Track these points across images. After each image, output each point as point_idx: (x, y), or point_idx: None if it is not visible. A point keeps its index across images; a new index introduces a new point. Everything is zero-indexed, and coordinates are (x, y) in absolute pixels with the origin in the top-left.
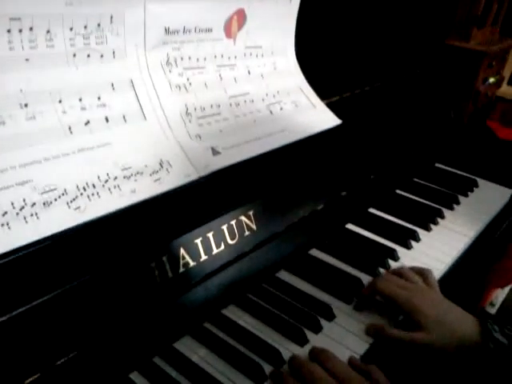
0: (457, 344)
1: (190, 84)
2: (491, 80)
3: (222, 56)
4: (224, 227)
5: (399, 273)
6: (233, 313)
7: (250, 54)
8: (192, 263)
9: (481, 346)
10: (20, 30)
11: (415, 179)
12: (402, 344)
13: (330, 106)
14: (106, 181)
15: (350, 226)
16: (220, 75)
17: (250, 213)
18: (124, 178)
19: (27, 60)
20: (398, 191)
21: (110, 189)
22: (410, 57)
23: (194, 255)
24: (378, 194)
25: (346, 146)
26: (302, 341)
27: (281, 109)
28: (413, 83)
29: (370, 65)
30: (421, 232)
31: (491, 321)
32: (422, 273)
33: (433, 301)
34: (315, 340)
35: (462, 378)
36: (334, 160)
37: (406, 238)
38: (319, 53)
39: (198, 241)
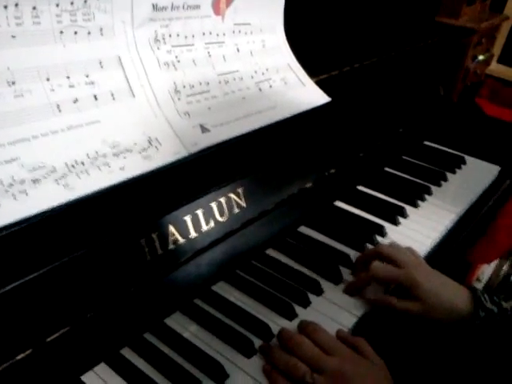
0: (450, 313)
1: (179, 61)
2: (480, 57)
3: (211, 33)
4: (213, 204)
5: (387, 252)
6: (223, 289)
7: (239, 32)
8: (181, 240)
9: (472, 315)
10: (5, 7)
11: (404, 157)
12: (397, 313)
13: (319, 83)
14: (95, 158)
15: (338, 203)
16: (209, 52)
17: (240, 190)
18: (113, 155)
19: (14, 37)
20: (387, 169)
21: (98, 166)
22: (400, 34)
23: (184, 232)
24: (367, 172)
25: (335, 123)
26: (290, 315)
27: (270, 86)
28: (402, 61)
29: (358, 42)
30: (408, 208)
31: (482, 291)
32: (408, 250)
33: (428, 274)
34: (304, 314)
35: (453, 346)
36: (323, 138)
37: (394, 215)
38: (308, 30)
39: (188, 218)
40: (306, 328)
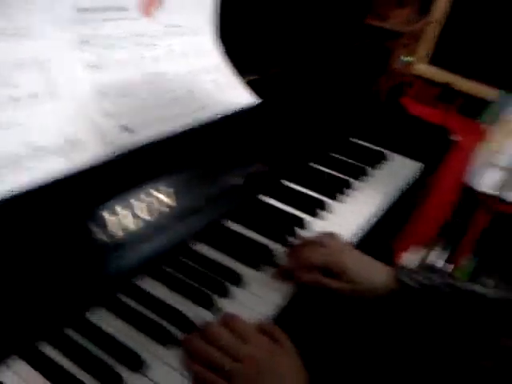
0: (375, 290)
1: (105, 63)
2: (407, 59)
3: (140, 35)
4: (139, 201)
5: (313, 240)
6: (146, 283)
7: (169, 33)
8: (105, 237)
9: (395, 292)
10: None
11: (330, 153)
12: (328, 293)
13: (250, 84)
14: (15, 161)
15: (262, 197)
16: (138, 54)
17: (166, 187)
18: (34, 157)
19: None
20: (312, 164)
21: (19, 168)
22: (331, 36)
23: (109, 228)
24: (292, 167)
25: (264, 123)
26: (210, 306)
27: (201, 87)
28: (332, 61)
29: (290, 43)
30: (329, 202)
31: (402, 268)
32: (332, 236)
33: (355, 257)
34: (224, 305)
35: (376, 322)
36: (252, 136)
37: (315, 208)
38: (240, 32)
39: (113, 214)
40: (223, 318)
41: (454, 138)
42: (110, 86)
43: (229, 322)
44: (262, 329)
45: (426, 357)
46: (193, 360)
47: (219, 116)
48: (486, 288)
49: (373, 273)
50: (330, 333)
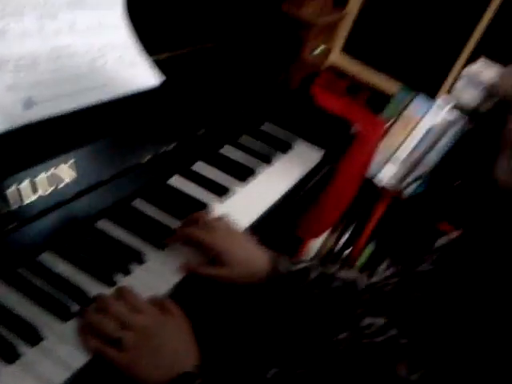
0: (252, 276)
1: (6, 32)
2: (319, 49)
3: (43, 6)
4: (42, 175)
5: (203, 220)
6: (48, 259)
7: (74, 6)
8: (6, 210)
9: (269, 277)
10: None
11: (243, 136)
12: (209, 278)
13: (159, 62)
14: None
15: (173, 178)
16: (40, 26)
17: (70, 162)
18: None
19: None
20: (226, 146)
21: None
22: (245, 20)
23: (10, 204)
24: (206, 149)
25: (175, 101)
26: (110, 282)
27: (105, 63)
28: (245, 46)
29: (202, 24)
30: (238, 185)
31: (280, 255)
32: (220, 219)
33: (236, 242)
34: (125, 282)
35: (254, 305)
36: (161, 115)
37: (223, 191)
38: (150, 9)
39: (15, 188)
40: (116, 291)
41: (355, 129)
42: (10, 58)
43: (122, 294)
44: (154, 301)
45: (294, 334)
46: (86, 331)
47: (123, 93)
48: (351, 273)
49: (252, 258)
50: (217, 310)
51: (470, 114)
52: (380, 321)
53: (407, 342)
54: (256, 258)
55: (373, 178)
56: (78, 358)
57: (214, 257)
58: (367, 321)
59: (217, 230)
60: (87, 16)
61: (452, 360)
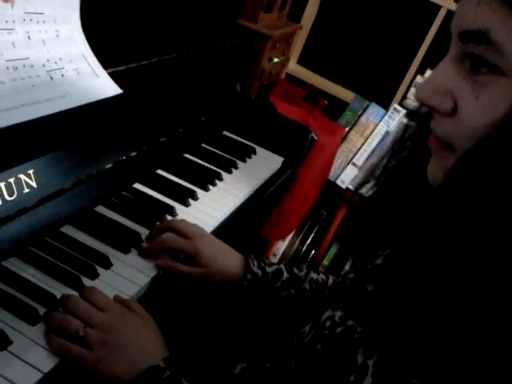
0: (225, 276)
1: None
2: (276, 60)
3: None
4: (1, 184)
5: (177, 226)
6: (14, 265)
7: (30, 20)
8: None
9: (242, 277)
10: None
11: (203, 145)
12: (181, 277)
13: (115, 74)
14: None
15: (137, 186)
16: None
17: (30, 171)
18: None
19: None
20: (186, 155)
21: None
22: (202, 32)
23: None
24: (167, 157)
25: (134, 112)
26: (78, 286)
27: (62, 75)
28: (204, 58)
29: (159, 37)
30: (200, 192)
31: (253, 257)
32: (189, 222)
33: (209, 244)
34: (92, 285)
35: (225, 306)
36: (120, 125)
37: (186, 197)
38: (107, 22)
39: None
40: (82, 291)
41: (313, 136)
42: None
43: (87, 293)
44: (119, 300)
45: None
46: (52, 332)
47: (81, 105)
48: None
49: (225, 259)
50: (184, 309)
51: (411, 116)
52: (339, 313)
53: (361, 330)
54: (230, 258)
55: (335, 180)
56: (47, 362)
57: (184, 258)
58: (327, 313)
59: (191, 235)
60: (44, 29)
61: (400, 344)
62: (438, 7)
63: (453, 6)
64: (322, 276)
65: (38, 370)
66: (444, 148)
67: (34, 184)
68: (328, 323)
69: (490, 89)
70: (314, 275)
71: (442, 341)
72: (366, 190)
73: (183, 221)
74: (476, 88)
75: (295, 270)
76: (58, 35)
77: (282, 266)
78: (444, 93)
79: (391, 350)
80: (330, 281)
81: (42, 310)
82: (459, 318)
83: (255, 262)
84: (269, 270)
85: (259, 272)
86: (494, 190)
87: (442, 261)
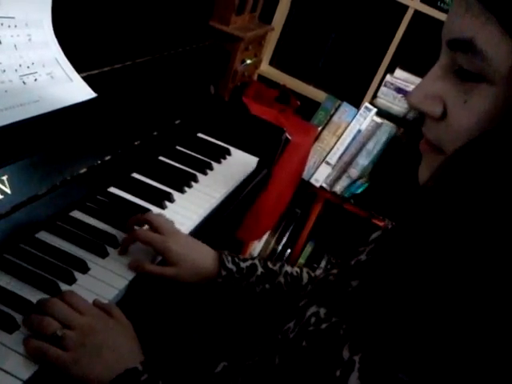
0: (199, 274)
1: None
2: (248, 61)
3: None
4: None
5: (151, 219)
6: None
7: (2, 24)
8: None
9: (217, 275)
10: None
11: (178, 147)
12: (157, 277)
13: (89, 78)
14: None
15: (112, 190)
16: None
17: (4, 177)
18: None
19: None
20: (161, 158)
21: None
22: (174, 35)
23: None
24: (142, 160)
25: (108, 115)
26: (55, 292)
27: (35, 80)
28: (176, 60)
29: (132, 40)
30: (176, 194)
31: (226, 253)
32: (163, 221)
33: (181, 241)
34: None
35: (202, 303)
36: (94, 130)
37: (162, 200)
38: (80, 26)
39: None
40: (61, 295)
41: (287, 136)
42: None
43: (66, 297)
44: (96, 304)
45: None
46: (30, 336)
47: (56, 108)
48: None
49: (197, 255)
50: (162, 311)
51: (395, 120)
52: (323, 309)
53: (346, 326)
54: (203, 255)
55: (309, 179)
56: (25, 369)
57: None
58: (312, 310)
59: (165, 230)
60: (16, 33)
61: (385, 339)
62: (406, 7)
63: (420, 7)
64: (296, 269)
65: (17, 378)
66: (433, 151)
67: (8, 190)
68: (313, 319)
69: (477, 94)
70: (288, 268)
71: (426, 335)
72: (339, 188)
73: (159, 216)
74: (464, 94)
75: (269, 264)
76: (30, 39)
77: (257, 261)
78: (434, 98)
79: (377, 344)
80: (305, 274)
81: (18, 318)
82: (443, 312)
83: (229, 258)
84: (243, 265)
85: (234, 268)
86: (478, 189)
87: (427, 256)
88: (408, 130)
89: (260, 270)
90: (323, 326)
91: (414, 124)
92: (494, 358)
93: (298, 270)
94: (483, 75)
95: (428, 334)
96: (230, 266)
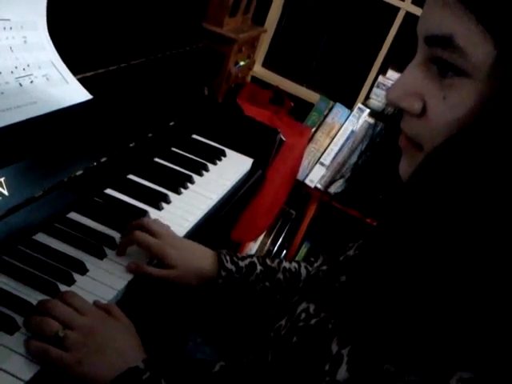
0: (199, 276)
1: None
2: (242, 63)
3: None
4: None
5: (148, 224)
6: None
7: None
8: None
9: (216, 275)
10: None
11: (173, 148)
12: (156, 280)
13: (85, 80)
14: None
15: (109, 191)
16: None
17: (1, 179)
18: None
19: None
20: (156, 159)
21: None
22: (168, 37)
23: None
24: (138, 162)
25: (103, 117)
26: (55, 293)
27: (31, 82)
28: (170, 62)
29: (126, 42)
30: (172, 195)
31: (224, 252)
32: (159, 225)
33: (178, 244)
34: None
35: (202, 305)
36: (90, 131)
37: (158, 201)
38: (75, 28)
39: None
40: (60, 295)
41: (281, 137)
42: None
43: (66, 297)
44: (97, 304)
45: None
46: (31, 338)
47: (51, 111)
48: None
49: (196, 258)
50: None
51: (378, 116)
52: (313, 305)
53: (335, 321)
54: (201, 257)
55: (304, 180)
56: (27, 370)
57: (159, 260)
58: (302, 306)
59: (161, 235)
60: (11, 35)
61: (372, 332)
62: (397, 9)
63: (411, 8)
64: (295, 264)
65: (19, 379)
66: (413, 147)
67: (5, 192)
68: (303, 315)
69: (456, 90)
70: (286, 264)
71: (412, 327)
72: (334, 189)
73: (156, 220)
74: (443, 90)
75: (268, 262)
76: (25, 41)
77: (255, 259)
78: (413, 94)
79: (364, 337)
80: (303, 269)
81: (19, 319)
82: (426, 304)
83: (228, 258)
84: (242, 264)
85: (233, 268)
86: (457, 185)
87: (412, 251)
88: (387, 126)
89: (259, 267)
90: (313, 321)
91: (392, 119)
92: (478, 349)
93: (296, 265)
94: (462, 69)
95: (413, 325)
96: (229, 265)
